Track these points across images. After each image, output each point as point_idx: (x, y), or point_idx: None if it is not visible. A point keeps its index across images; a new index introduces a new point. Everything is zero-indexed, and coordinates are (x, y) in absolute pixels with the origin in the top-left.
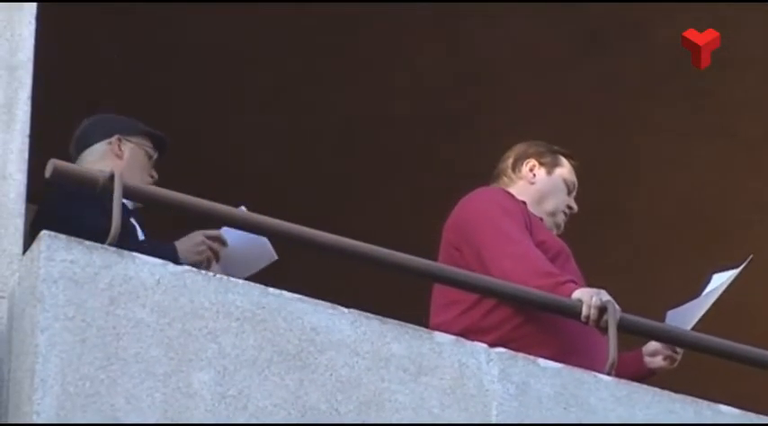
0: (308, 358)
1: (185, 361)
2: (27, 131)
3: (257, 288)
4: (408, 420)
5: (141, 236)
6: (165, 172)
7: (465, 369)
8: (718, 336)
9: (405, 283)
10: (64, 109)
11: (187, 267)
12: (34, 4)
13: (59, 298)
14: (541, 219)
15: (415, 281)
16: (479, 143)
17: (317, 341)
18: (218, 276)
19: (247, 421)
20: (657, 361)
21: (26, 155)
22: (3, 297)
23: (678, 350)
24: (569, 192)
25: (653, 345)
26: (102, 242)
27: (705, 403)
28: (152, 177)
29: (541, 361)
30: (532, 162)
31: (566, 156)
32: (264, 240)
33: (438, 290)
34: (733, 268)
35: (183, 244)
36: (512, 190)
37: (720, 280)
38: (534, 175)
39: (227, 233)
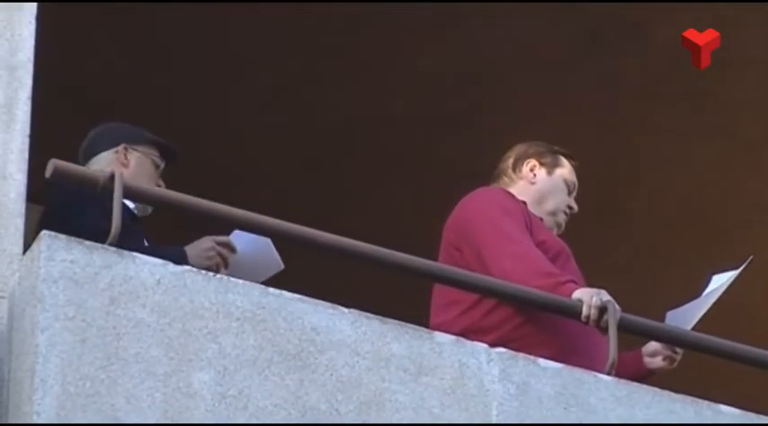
0: (308, 358)
1: (185, 361)
2: (27, 131)
3: (257, 288)
4: (408, 420)
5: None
6: (165, 172)
7: (465, 369)
8: (719, 336)
9: (405, 283)
10: (64, 109)
11: (187, 267)
12: (34, 4)
13: (59, 298)
14: (541, 219)
15: (415, 281)
16: (479, 143)
17: (317, 341)
18: (218, 276)
19: (247, 421)
20: (657, 362)
21: (26, 155)
22: (3, 297)
23: (678, 350)
24: (570, 192)
25: (652, 345)
26: (106, 243)
27: (705, 403)
28: (159, 186)
29: (542, 361)
30: (533, 162)
31: (566, 157)
32: (273, 249)
33: (438, 290)
34: (733, 269)
35: (193, 249)
36: (512, 191)
37: (720, 281)
38: (535, 175)
39: (236, 239)
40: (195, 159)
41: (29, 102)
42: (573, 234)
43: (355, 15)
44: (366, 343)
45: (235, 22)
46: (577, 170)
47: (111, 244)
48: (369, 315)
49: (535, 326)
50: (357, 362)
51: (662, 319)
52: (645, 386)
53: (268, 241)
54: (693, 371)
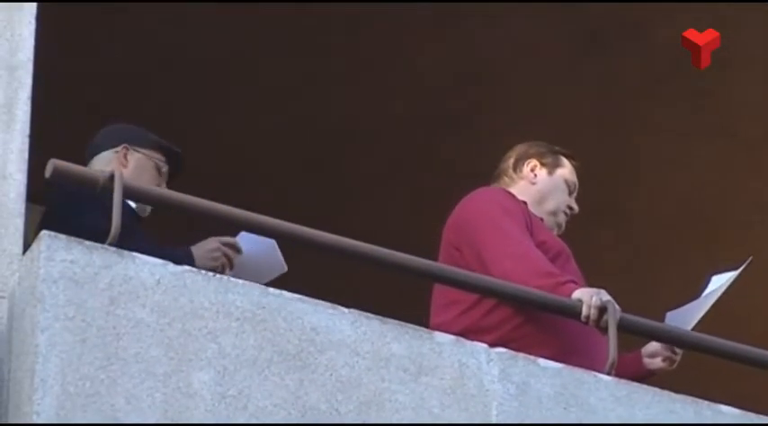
0: (308, 358)
1: (185, 361)
2: (27, 131)
3: (257, 288)
4: (408, 420)
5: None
6: (174, 180)
7: (465, 369)
8: (718, 336)
9: (405, 283)
10: (64, 109)
11: (187, 267)
12: (34, 4)
13: (59, 298)
14: (542, 219)
15: (415, 281)
16: (479, 143)
17: (317, 341)
18: (217, 276)
19: (247, 421)
20: (657, 363)
21: (26, 155)
22: (3, 297)
23: (677, 351)
24: (570, 193)
25: (652, 346)
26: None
27: (705, 403)
28: None
29: (541, 361)
30: (534, 162)
31: (567, 157)
32: (277, 251)
33: (438, 290)
34: (732, 269)
35: (199, 250)
36: (513, 191)
37: (720, 282)
38: (535, 176)
39: (242, 240)
40: (195, 159)
41: (29, 102)
42: (573, 234)
43: (355, 15)
44: (366, 343)
45: (235, 22)
46: (578, 170)
47: (111, 244)
48: (369, 314)
49: (535, 326)
50: (357, 362)
51: (662, 319)
52: (645, 386)
53: (273, 243)
54: (693, 371)
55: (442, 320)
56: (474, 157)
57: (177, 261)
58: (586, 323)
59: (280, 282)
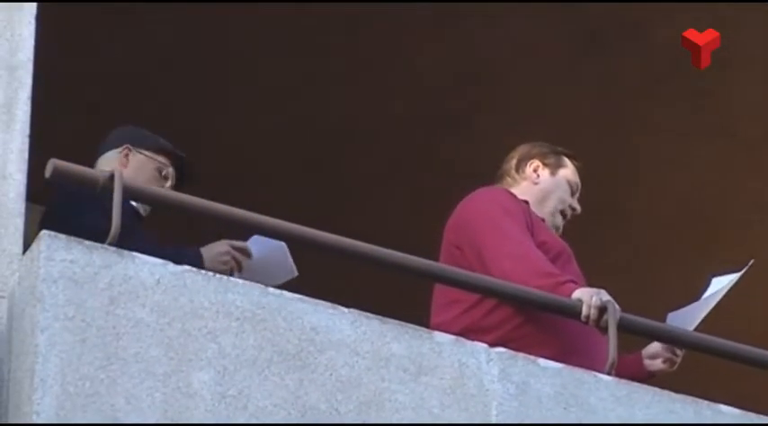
0: (307, 358)
1: (185, 361)
2: (27, 131)
3: (257, 288)
4: (408, 420)
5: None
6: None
7: (465, 369)
8: (718, 336)
9: (405, 283)
10: (64, 109)
11: (187, 267)
12: (34, 4)
13: (59, 298)
14: (543, 220)
15: (415, 281)
16: (479, 143)
17: (316, 340)
18: (217, 276)
19: (247, 421)
20: (657, 364)
21: (26, 155)
22: (3, 297)
23: (678, 352)
24: (573, 193)
25: (653, 348)
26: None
27: (705, 403)
28: None
29: (541, 361)
30: (536, 162)
31: (569, 157)
32: (288, 256)
33: (439, 290)
34: (734, 272)
35: (208, 252)
36: (515, 191)
37: (721, 284)
38: (538, 176)
39: (252, 243)
40: (195, 159)
41: (29, 102)
42: (573, 234)
43: (355, 15)
44: (366, 343)
45: (235, 22)
46: (580, 171)
47: (110, 244)
48: (368, 314)
49: (535, 326)
50: (357, 362)
51: (662, 319)
52: (645, 386)
53: (284, 247)
54: (693, 371)
55: (442, 319)
56: (474, 157)
57: (186, 262)
58: (586, 323)
59: None
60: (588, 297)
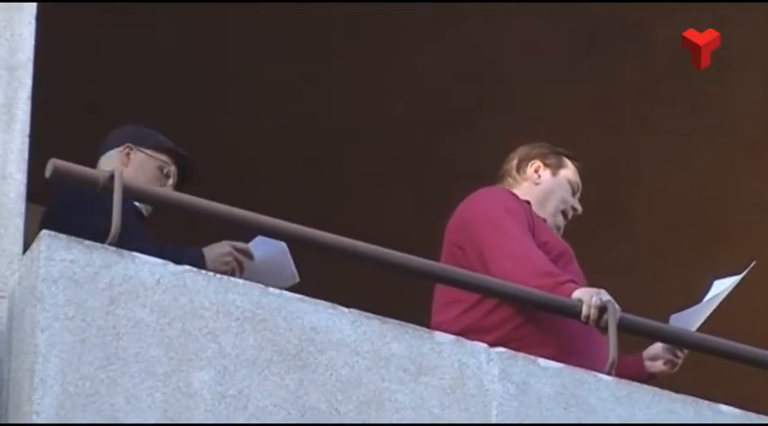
0: (307, 357)
1: (185, 361)
2: (27, 131)
3: (257, 288)
4: (408, 420)
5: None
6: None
7: (465, 369)
8: (719, 336)
9: (405, 283)
10: (64, 109)
11: (187, 267)
12: (34, 4)
13: (59, 298)
14: (545, 220)
15: (415, 281)
16: (479, 143)
17: (316, 340)
18: (218, 276)
19: (247, 421)
20: (658, 365)
21: (26, 155)
22: (3, 297)
23: (679, 354)
24: (573, 193)
25: (654, 349)
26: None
27: (705, 403)
28: None
29: (542, 361)
30: (537, 163)
31: (569, 158)
32: (290, 261)
33: (440, 289)
34: (735, 274)
35: (211, 252)
36: (516, 191)
37: (722, 286)
38: (539, 176)
39: (254, 246)
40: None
41: (29, 102)
42: (573, 234)
43: (355, 15)
44: (366, 343)
45: (235, 22)
46: (580, 171)
47: (111, 244)
48: (369, 314)
49: (535, 326)
50: (357, 362)
51: (662, 319)
52: (645, 386)
53: (286, 251)
54: (693, 371)
55: (443, 319)
56: (474, 157)
57: (188, 262)
58: (586, 322)
59: None
60: (588, 296)
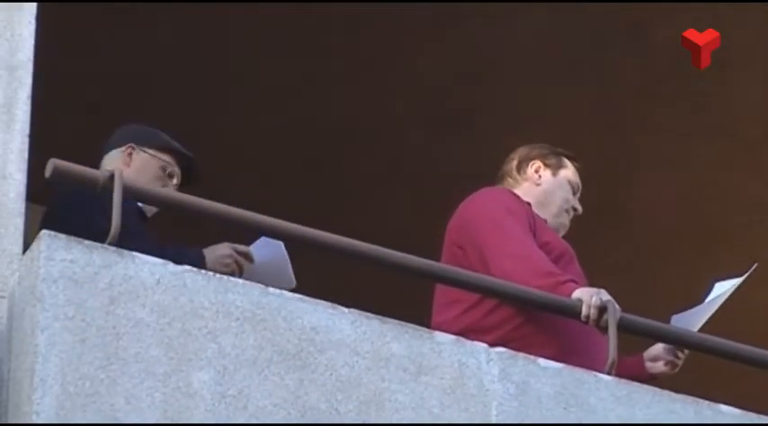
0: (307, 357)
1: (185, 361)
2: (27, 131)
3: (257, 288)
4: (408, 420)
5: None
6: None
7: (465, 369)
8: (719, 336)
9: (405, 283)
10: (64, 109)
11: (187, 267)
12: (34, 4)
13: (59, 298)
14: (545, 221)
15: (415, 281)
16: (479, 143)
17: (316, 340)
18: (217, 276)
19: (247, 421)
20: (659, 366)
21: (26, 155)
22: (3, 297)
23: (680, 355)
24: (574, 193)
25: (654, 350)
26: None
27: (705, 403)
28: None
29: (541, 361)
30: (537, 163)
31: (569, 158)
32: (289, 267)
33: (440, 289)
34: (736, 276)
35: (211, 253)
36: (516, 192)
37: (723, 288)
38: (540, 177)
39: (255, 249)
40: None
41: (29, 102)
42: (573, 234)
43: (355, 15)
44: (366, 343)
45: (235, 22)
46: (580, 171)
47: (110, 244)
48: (368, 314)
49: (535, 326)
50: (357, 362)
51: (662, 319)
52: (645, 386)
53: (285, 256)
54: (694, 371)
55: (443, 318)
56: (474, 157)
57: (188, 262)
58: (586, 322)
59: None
60: (588, 296)
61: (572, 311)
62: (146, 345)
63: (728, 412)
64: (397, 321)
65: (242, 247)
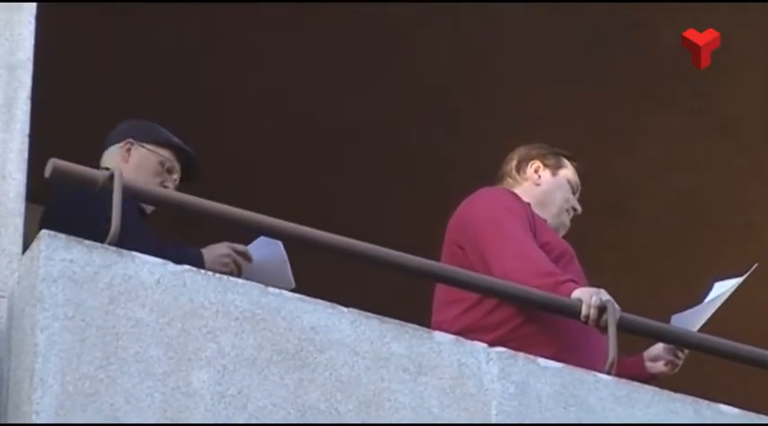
0: (307, 357)
1: (185, 361)
2: (27, 131)
3: (257, 288)
4: (408, 420)
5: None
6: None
7: (465, 369)
8: (719, 336)
9: (405, 283)
10: (64, 109)
11: (187, 266)
12: (34, 4)
13: (59, 298)
14: (545, 220)
15: (415, 281)
16: (479, 143)
17: (316, 340)
18: (217, 275)
19: (247, 421)
20: (659, 366)
21: (26, 155)
22: (3, 297)
23: (680, 355)
24: (573, 193)
25: (654, 350)
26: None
27: (705, 402)
28: (165, 187)
29: (541, 361)
30: (537, 163)
31: (568, 158)
32: (287, 267)
33: (440, 288)
34: (736, 276)
35: (210, 253)
36: (516, 192)
37: (723, 289)
38: (539, 177)
39: (254, 249)
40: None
41: (28, 102)
42: (573, 234)
43: (355, 15)
44: (365, 343)
45: (235, 22)
46: (579, 171)
47: (110, 244)
48: (368, 314)
49: (535, 326)
50: (356, 362)
51: (662, 319)
52: (644, 386)
53: (285, 257)
54: (693, 371)
55: (443, 318)
56: (474, 157)
57: (187, 262)
58: (586, 322)
59: None
60: (588, 296)
61: (572, 311)
62: (145, 345)
63: (728, 411)
64: (396, 321)
65: (240, 247)
